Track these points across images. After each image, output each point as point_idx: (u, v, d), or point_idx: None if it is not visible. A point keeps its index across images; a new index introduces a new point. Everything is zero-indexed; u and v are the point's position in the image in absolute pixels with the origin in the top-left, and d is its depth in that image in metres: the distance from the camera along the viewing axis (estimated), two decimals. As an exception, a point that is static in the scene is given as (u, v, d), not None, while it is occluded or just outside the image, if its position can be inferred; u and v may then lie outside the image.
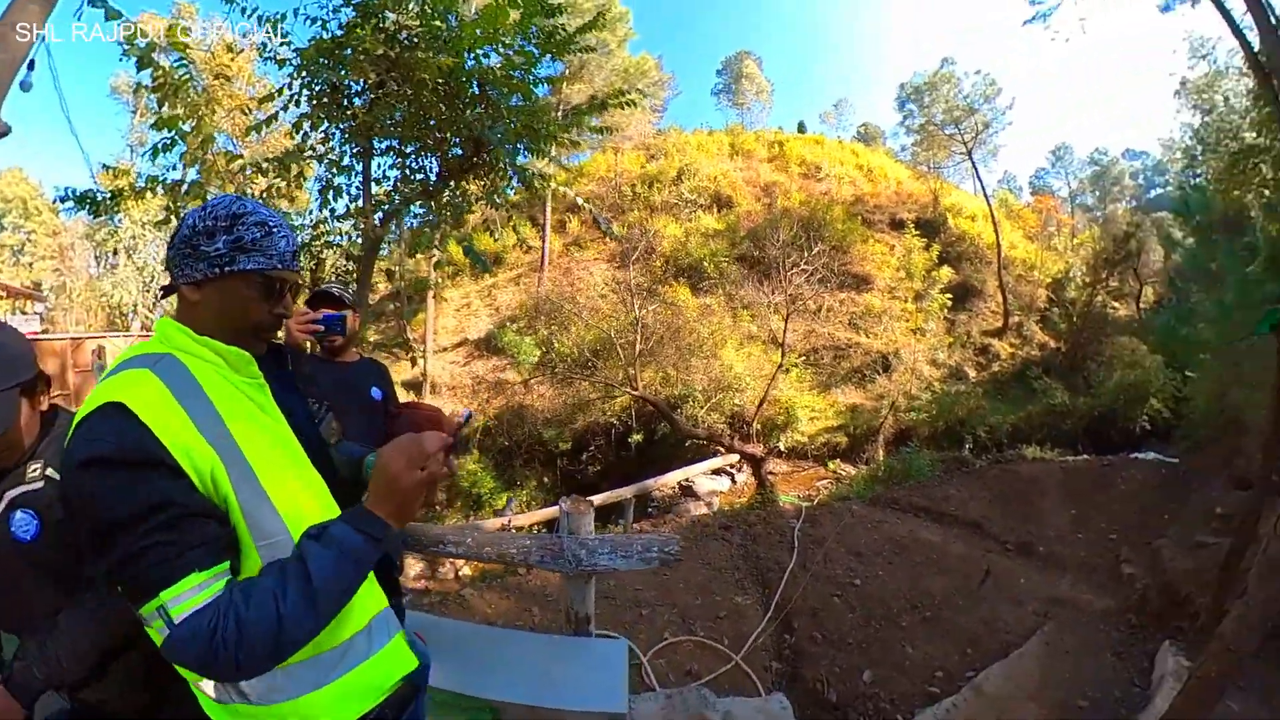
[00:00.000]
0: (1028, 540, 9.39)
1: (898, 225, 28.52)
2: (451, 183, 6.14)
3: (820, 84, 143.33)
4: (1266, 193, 12.99)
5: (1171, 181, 33.28)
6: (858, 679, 5.76)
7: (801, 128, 45.94)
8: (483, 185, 6.26)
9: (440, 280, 27.16)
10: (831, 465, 17.71)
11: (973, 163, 30.42)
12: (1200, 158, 18.32)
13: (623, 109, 6.16)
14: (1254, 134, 14.68)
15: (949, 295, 23.26)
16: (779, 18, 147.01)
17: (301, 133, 5.69)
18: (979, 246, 28.56)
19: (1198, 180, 15.94)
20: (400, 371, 24.19)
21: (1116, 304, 23.78)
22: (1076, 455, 13.96)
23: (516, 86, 5.50)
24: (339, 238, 6.49)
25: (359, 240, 6.15)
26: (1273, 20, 6.35)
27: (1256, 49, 8.63)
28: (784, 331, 13.25)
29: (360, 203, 5.94)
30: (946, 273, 20.98)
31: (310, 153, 5.87)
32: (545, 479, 19.45)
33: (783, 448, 18.13)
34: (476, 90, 5.55)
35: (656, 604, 6.82)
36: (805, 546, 8.38)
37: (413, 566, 11.95)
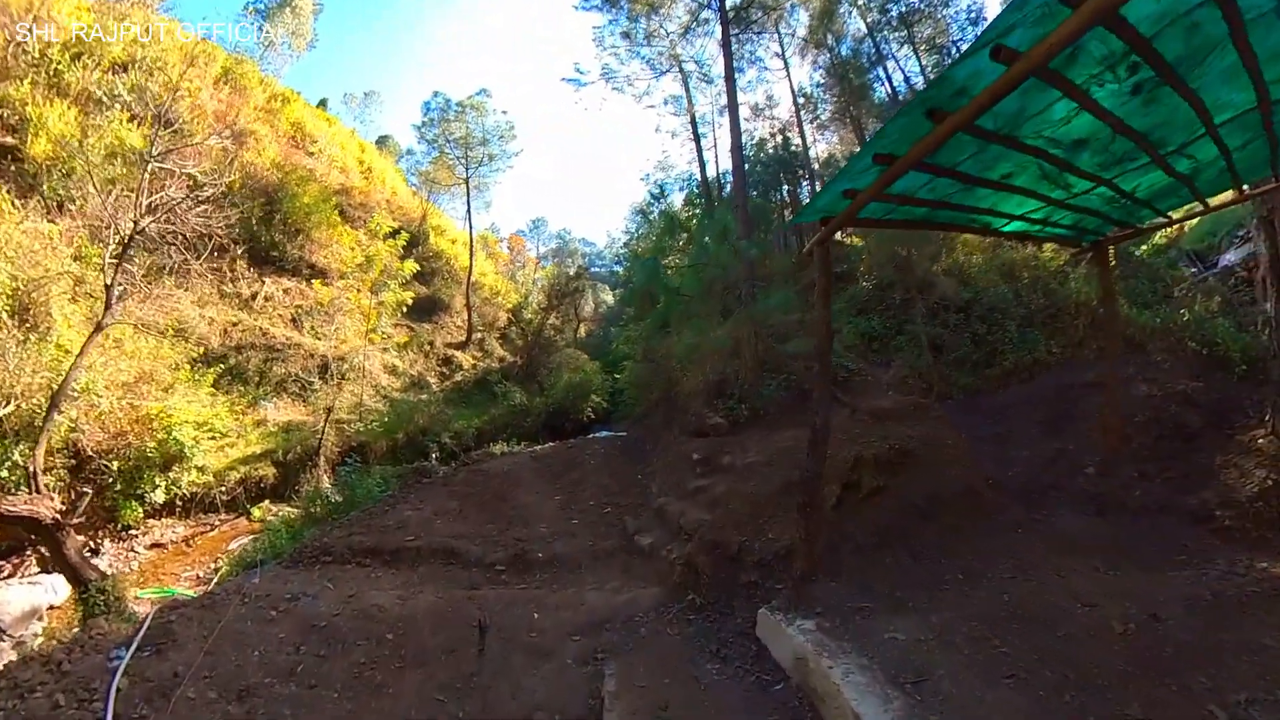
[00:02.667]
0: (521, 550, 6.44)
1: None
2: None
3: (360, 70, 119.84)
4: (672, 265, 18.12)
5: (607, 263, 45.51)
6: None
7: (324, 104, 36.71)
8: None
9: None
10: (258, 511, 11.79)
11: (467, 189, 29.38)
12: (638, 249, 24.53)
13: None
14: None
15: (412, 293, 20.38)
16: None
17: None
18: (454, 267, 27.93)
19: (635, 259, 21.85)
20: None
21: (559, 335, 26.67)
22: (542, 445, 13.09)
23: None
24: None
25: None
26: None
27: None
28: (111, 278, 7.32)
29: None
30: (411, 266, 18.08)
31: None
32: None
33: (161, 500, 11.20)
34: None
35: None
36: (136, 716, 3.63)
37: None
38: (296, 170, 22.90)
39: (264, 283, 19.25)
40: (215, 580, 8.13)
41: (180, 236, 13.69)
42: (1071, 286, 10.20)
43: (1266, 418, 6.76)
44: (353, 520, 7.51)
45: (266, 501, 12.26)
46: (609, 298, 42.49)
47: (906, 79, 20.44)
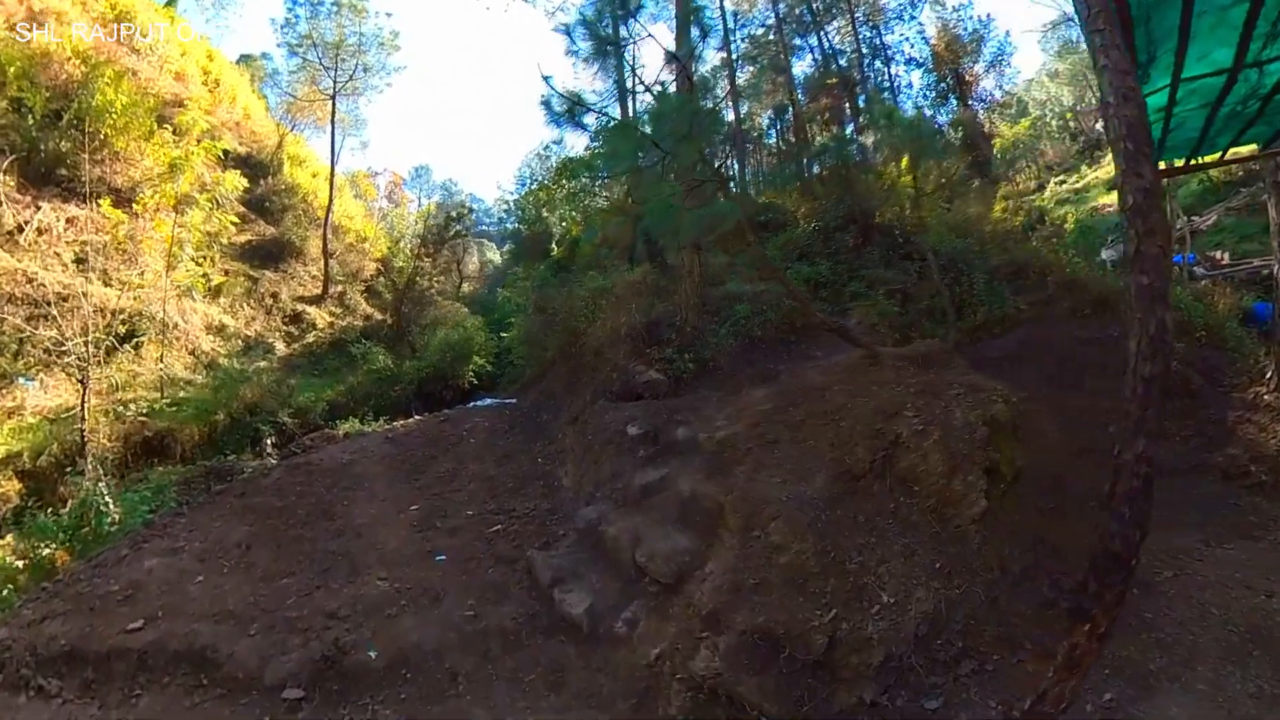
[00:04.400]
0: (337, 642, 3.56)
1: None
2: None
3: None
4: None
5: (495, 221, 40.74)
6: None
7: (172, 3, 28.00)
8: None
9: None
10: (-1, 548, 7.79)
11: (333, 109, 23.20)
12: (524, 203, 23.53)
13: None
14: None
15: (236, 220, 15.99)
16: None
17: None
18: (312, 206, 22.51)
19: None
20: None
21: (436, 288, 23.24)
22: (408, 420, 10.32)
23: None
24: None
25: None
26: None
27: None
28: None
29: None
30: (235, 180, 13.74)
31: None
32: None
33: None
34: None
35: None
36: None
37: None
38: (110, 65, 17.09)
39: (39, 208, 14.13)
40: None
41: None
42: (1034, 245, 10.02)
43: (1268, 375, 6.54)
44: (62, 584, 4.43)
45: (10, 536, 8.33)
46: (496, 257, 38.56)
47: (835, 50, 19.58)
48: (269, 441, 10.27)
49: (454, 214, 24.42)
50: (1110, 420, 6.77)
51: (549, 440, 8.26)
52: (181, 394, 11.26)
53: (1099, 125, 30.32)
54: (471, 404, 11.89)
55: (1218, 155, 5.43)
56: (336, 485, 6.13)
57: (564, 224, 24.52)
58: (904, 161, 9.98)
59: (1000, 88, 25.83)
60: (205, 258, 13.85)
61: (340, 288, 19.89)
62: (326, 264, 19.89)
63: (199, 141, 13.30)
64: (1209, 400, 6.45)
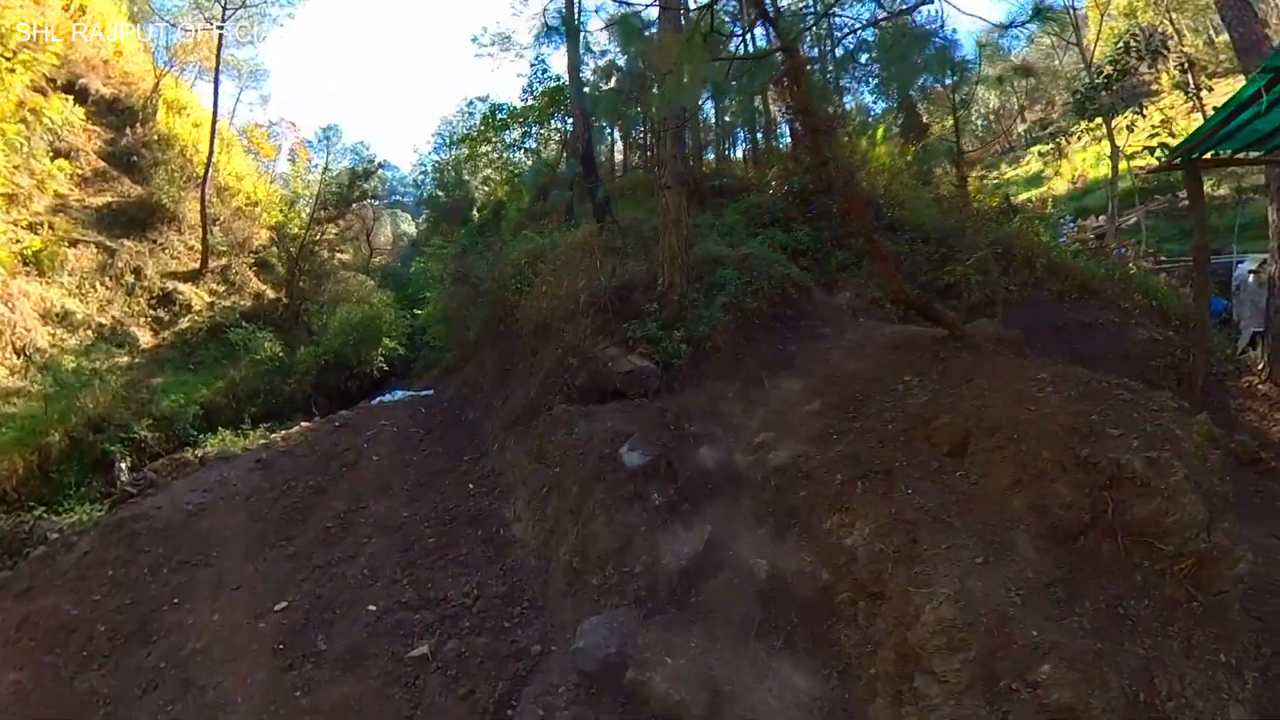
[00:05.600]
0: None
1: (77, 94, 15.93)
2: None
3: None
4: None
5: (410, 191, 36.53)
6: None
7: None
8: None
9: None
10: None
11: (219, 44, 19.07)
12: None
13: None
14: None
15: (71, 169, 12.88)
16: None
17: None
18: (190, 161, 18.90)
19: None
20: None
21: (336, 257, 21.09)
22: (309, 420, 8.78)
23: None
24: None
25: None
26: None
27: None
28: None
29: None
30: (64, 108, 10.72)
31: None
32: None
33: None
34: None
35: None
36: None
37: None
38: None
39: None
40: None
41: None
42: (1017, 226, 9.70)
43: (1260, 365, 6.83)
44: None
45: None
46: (411, 229, 34.95)
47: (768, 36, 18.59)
48: (122, 466, 8.17)
49: (361, 170, 21.41)
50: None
51: (480, 451, 6.70)
52: (3, 409, 8.79)
53: (1021, 128, 32.07)
54: (378, 399, 10.06)
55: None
56: (170, 560, 4.41)
57: (488, 187, 22.04)
58: (879, 132, 9.47)
59: (942, 83, 25.54)
60: (43, 223, 10.95)
61: (224, 260, 16.88)
62: (206, 232, 16.70)
63: (16, 54, 10.21)
64: (1207, 388, 6.42)
